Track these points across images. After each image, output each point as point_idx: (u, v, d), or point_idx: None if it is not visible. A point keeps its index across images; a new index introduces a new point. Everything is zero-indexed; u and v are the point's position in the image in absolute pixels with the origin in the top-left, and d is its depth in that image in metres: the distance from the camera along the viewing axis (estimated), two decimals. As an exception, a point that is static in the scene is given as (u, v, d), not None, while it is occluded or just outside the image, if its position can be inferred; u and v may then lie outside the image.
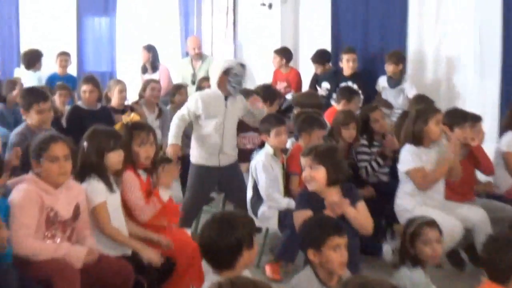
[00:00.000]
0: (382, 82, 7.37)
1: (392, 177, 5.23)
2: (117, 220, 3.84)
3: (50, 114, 5.05)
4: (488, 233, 4.03)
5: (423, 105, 5.19)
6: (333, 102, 6.94)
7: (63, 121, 6.18)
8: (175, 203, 4.24)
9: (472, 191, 5.11)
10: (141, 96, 7.10)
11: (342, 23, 8.48)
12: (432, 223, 3.58)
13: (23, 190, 3.46)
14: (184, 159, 5.38)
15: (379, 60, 7.65)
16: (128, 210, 3.99)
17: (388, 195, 4.90)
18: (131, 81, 8.07)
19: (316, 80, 7.92)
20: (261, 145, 5.47)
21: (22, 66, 8.09)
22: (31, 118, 4.92)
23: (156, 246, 3.92)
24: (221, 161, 5.28)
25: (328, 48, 8.33)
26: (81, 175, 3.76)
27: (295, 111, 6.15)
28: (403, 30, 7.60)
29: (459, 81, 7.12)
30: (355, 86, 7.15)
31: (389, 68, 7.24)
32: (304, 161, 3.99)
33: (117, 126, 4.23)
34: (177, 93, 7.34)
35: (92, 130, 3.87)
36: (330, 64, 8.05)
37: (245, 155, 5.69)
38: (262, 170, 4.89)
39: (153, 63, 8.63)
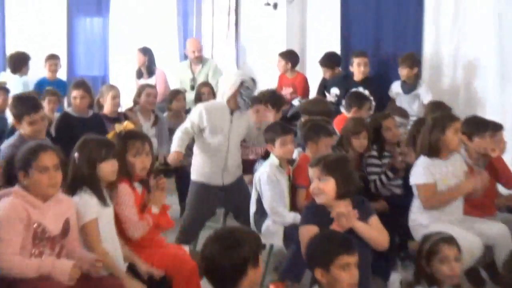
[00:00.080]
0: (396, 87, 7.38)
1: (406, 189, 5.19)
2: (110, 235, 3.84)
3: (43, 124, 5.09)
4: (510, 250, 4.00)
5: (439, 113, 5.18)
6: (342, 109, 6.93)
7: (52, 130, 6.17)
8: (170, 220, 4.26)
9: (493, 205, 5.10)
10: (135, 102, 7.09)
11: (353, 24, 8.48)
12: (449, 240, 3.58)
13: (8, 204, 3.45)
14: (183, 170, 5.38)
15: (392, 63, 7.64)
16: (119, 225, 3.98)
17: (402, 208, 4.89)
18: (125, 86, 8.08)
19: (324, 86, 7.92)
20: (265, 155, 5.47)
21: (8, 70, 8.08)
22: (23, 129, 4.98)
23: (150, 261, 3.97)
24: (224, 180, 5.29)
25: (338, 51, 8.34)
26: (72, 188, 3.77)
27: (302, 119, 6.13)
28: (418, 31, 7.61)
29: (478, 86, 7.12)
30: (366, 92, 7.13)
31: (403, 72, 7.24)
32: (312, 172, 3.98)
33: (110, 135, 4.21)
34: (175, 99, 7.35)
35: (83, 139, 3.87)
36: (340, 68, 8.05)
37: (247, 166, 5.69)
38: (267, 182, 4.88)
39: (149, 67, 8.61)
